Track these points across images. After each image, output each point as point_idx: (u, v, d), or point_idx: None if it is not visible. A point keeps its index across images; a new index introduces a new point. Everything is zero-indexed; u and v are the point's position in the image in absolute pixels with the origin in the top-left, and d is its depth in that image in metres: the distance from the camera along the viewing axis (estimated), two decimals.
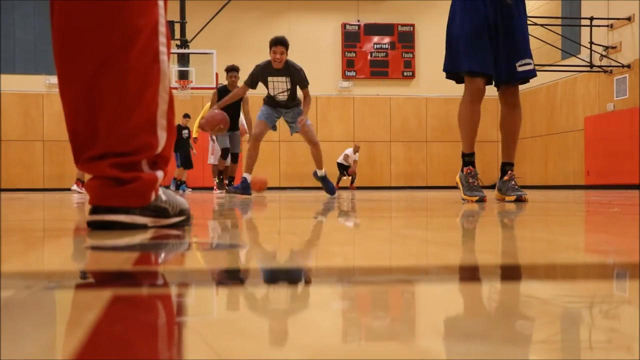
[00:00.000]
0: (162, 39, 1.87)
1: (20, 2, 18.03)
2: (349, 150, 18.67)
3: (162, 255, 1.37)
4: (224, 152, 10.87)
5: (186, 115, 15.48)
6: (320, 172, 7.62)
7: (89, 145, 1.82)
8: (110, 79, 1.78)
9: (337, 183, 18.25)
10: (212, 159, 11.94)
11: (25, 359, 0.56)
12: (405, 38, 19.52)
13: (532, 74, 4.69)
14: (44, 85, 18.11)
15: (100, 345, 0.60)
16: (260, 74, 7.55)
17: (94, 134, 1.81)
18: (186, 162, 15.43)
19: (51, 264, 1.25)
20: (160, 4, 1.87)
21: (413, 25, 19.45)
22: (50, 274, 1.11)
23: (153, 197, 1.88)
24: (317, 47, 18.86)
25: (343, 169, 18.79)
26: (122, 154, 1.81)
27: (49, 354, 0.58)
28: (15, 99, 18.04)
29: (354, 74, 19.32)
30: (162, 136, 1.87)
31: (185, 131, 15.22)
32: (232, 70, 10.18)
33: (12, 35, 18.14)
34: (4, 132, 17.56)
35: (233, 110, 9.71)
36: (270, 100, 7.61)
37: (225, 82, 10.25)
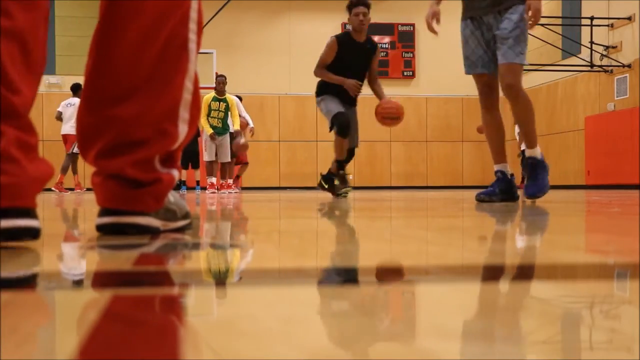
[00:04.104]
0: (193, 26, 1.74)
1: None
2: None
3: (162, 255, 1.37)
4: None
5: None
6: None
7: (99, 136, 1.68)
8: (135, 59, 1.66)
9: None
10: (207, 156, 11.59)
11: (26, 359, 0.56)
12: (405, 38, 19.52)
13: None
14: (43, 85, 18.10)
15: (100, 345, 0.60)
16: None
17: (106, 122, 1.67)
18: (193, 161, 14.49)
19: (51, 264, 1.25)
20: None
21: (413, 25, 19.45)
22: (50, 274, 1.11)
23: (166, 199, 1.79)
24: (317, 47, 18.84)
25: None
26: (137, 143, 1.66)
27: (49, 354, 0.58)
28: None
29: None
30: (182, 130, 1.74)
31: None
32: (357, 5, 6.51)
33: None
34: None
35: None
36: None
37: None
